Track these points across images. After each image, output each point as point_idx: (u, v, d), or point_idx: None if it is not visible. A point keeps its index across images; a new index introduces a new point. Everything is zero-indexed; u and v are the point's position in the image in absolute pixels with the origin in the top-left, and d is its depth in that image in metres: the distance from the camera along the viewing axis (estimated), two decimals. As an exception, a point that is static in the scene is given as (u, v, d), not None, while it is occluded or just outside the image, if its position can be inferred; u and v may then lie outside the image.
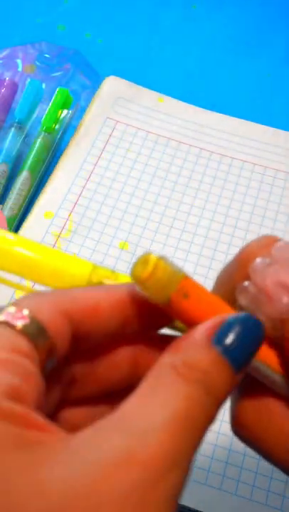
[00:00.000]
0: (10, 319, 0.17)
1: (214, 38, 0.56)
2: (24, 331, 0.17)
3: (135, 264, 0.18)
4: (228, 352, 0.17)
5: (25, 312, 0.17)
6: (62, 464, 0.14)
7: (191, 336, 0.17)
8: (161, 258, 0.18)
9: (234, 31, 0.56)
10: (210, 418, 0.16)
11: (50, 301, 0.18)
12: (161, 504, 0.14)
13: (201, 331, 0.17)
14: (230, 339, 0.17)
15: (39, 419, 0.15)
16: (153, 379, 0.16)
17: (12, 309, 0.17)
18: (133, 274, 0.18)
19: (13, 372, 0.15)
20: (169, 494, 0.14)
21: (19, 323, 0.17)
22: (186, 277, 0.18)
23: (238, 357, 0.17)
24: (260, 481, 0.33)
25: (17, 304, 0.18)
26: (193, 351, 0.17)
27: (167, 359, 0.17)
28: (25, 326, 0.17)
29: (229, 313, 0.18)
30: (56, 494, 0.13)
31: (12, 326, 0.17)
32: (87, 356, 0.20)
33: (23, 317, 0.17)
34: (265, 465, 0.33)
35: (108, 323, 0.19)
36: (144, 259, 0.18)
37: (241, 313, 0.18)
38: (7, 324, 0.17)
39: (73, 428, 0.16)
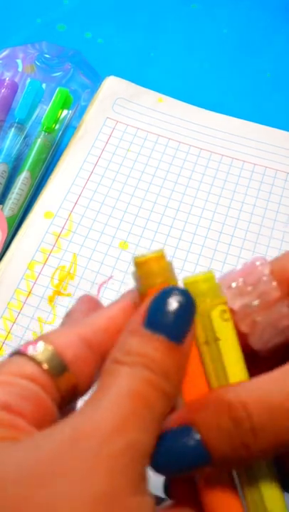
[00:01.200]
0: (31, 352, 0.18)
1: (214, 37, 0.56)
2: (46, 368, 0.18)
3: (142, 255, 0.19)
4: (160, 327, 0.17)
5: (49, 348, 0.18)
6: (22, 449, 0.16)
7: (125, 329, 0.18)
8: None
9: (234, 31, 0.56)
10: (161, 390, 0.17)
11: (75, 334, 0.19)
12: (114, 463, 0.15)
13: (132, 320, 0.18)
14: (159, 315, 0.18)
15: (23, 424, 0.17)
16: (102, 376, 0.18)
17: (40, 345, 0.18)
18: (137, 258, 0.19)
19: (8, 392, 0.17)
20: (121, 453, 0.16)
21: (40, 358, 0.18)
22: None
23: (173, 328, 0.18)
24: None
25: (43, 338, 0.18)
26: (127, 340, 0.18)
27: (110, 356, 0.18)
28: (47, 362, 0.18)
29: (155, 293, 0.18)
30: (14, 470, 0.15)
31: (32, 359, 0.18)
32: None
33: (45, 352, 0.18)
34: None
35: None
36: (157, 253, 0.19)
37: (165, 288, 0.18)
38: (27, 356, 0.18)
39: None
